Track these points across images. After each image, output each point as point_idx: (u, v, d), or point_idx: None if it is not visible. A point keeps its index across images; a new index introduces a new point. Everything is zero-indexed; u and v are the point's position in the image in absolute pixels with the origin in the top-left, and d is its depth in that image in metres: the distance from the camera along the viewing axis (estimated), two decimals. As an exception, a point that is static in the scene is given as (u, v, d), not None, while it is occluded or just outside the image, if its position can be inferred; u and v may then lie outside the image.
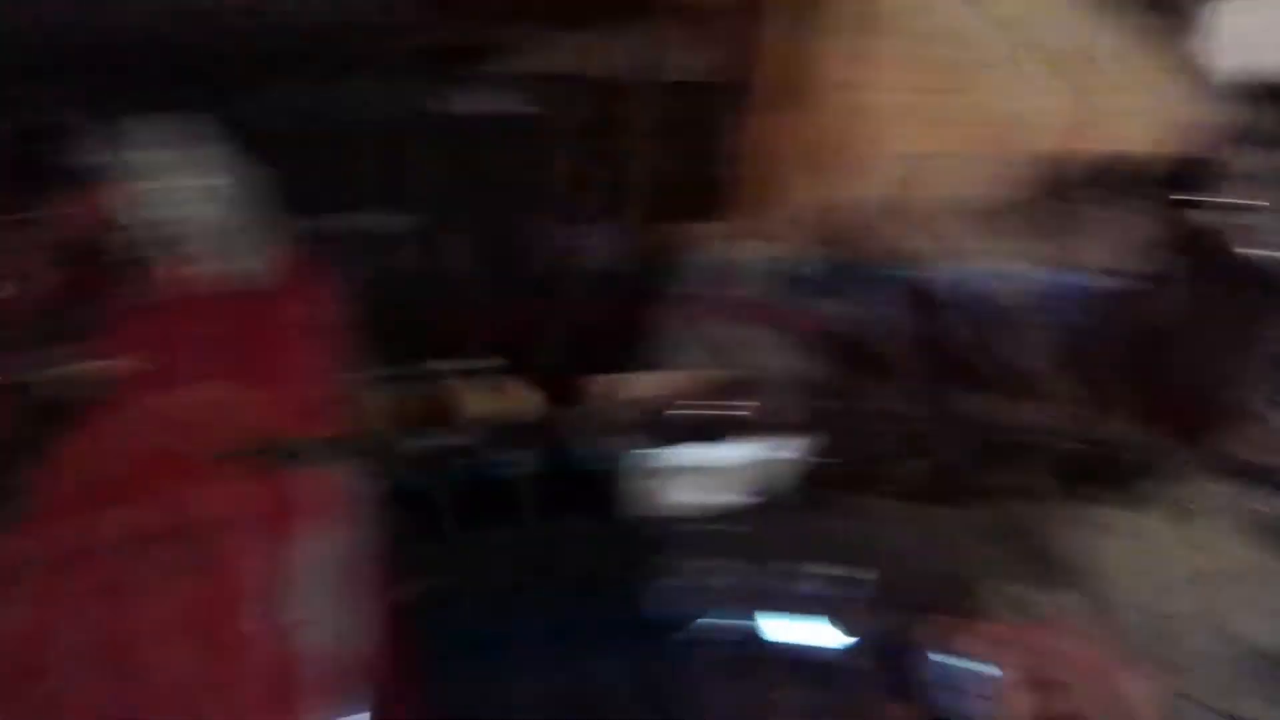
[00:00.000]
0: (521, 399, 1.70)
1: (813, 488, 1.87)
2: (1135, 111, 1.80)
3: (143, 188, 1.18)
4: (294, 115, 2.44)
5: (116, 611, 0.66)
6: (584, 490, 1.79)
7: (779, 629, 1.51)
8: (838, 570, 1.56)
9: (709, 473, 1.67)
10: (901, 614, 1.36)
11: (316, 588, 0.80)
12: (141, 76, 1.48)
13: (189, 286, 1.03)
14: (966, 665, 1.21)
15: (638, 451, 1.65)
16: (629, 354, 2.27)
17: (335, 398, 1.12)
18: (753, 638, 1.54)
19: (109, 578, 0.67)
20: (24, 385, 0.78)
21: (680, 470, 1.65)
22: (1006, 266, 2.79)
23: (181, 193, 1.21)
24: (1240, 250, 1.64)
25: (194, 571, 0.71)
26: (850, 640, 1.45)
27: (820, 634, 1.47)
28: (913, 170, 3.06)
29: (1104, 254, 1.97)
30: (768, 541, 1.73)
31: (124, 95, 1.31)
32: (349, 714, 0.73)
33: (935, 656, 1.26)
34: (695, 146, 2.93)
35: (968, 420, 2.13)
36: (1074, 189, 1.92)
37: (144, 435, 0.76)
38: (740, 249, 3.15)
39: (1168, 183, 1.71)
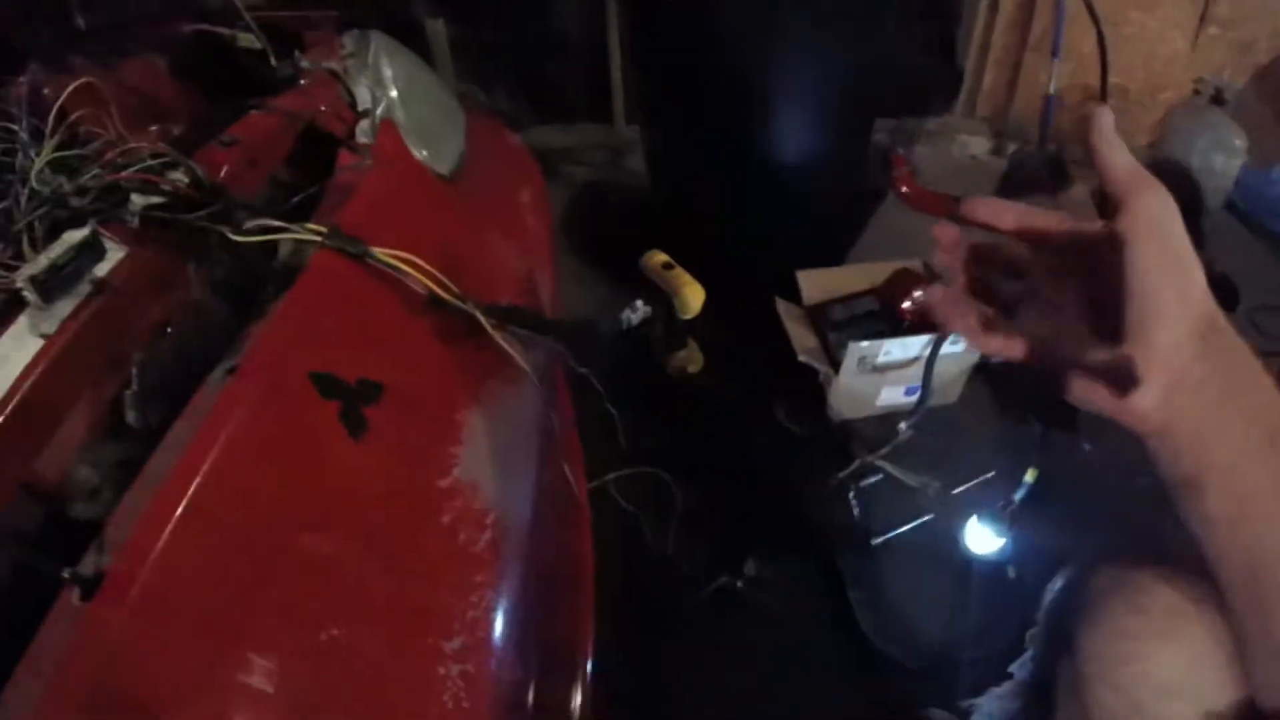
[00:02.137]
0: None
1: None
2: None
3: (360, 85, 1.20)
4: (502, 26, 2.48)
5: (315, 462, 0.66)
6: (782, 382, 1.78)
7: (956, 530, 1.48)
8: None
9: (904, 366, 1.61)
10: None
11: (504, 453, 0.80)
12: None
13: (401, 170, 1.04)
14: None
15: (839, 345, 1.60)
16: (841, 245, 2.22)
17: (541, 280, 1.12)
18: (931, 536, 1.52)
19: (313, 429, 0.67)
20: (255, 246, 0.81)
21: (877, 363, 1.59)
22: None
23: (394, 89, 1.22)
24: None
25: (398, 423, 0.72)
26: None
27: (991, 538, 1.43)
28: (1152, 55, 2.76)
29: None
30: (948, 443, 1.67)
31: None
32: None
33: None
34: (929, 37, 2.75)
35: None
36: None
37: (357, 293, 0.78)
38: (961, 143, 2.95)
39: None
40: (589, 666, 0.98)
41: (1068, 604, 0.72)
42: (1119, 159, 0.50)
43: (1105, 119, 0.51)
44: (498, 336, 0.81)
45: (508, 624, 0.66)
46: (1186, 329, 0.48)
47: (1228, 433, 0.49)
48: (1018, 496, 1.43)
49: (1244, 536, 0.50)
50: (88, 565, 0.54)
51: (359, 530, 0.63)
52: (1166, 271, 0.48)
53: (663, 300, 1.73)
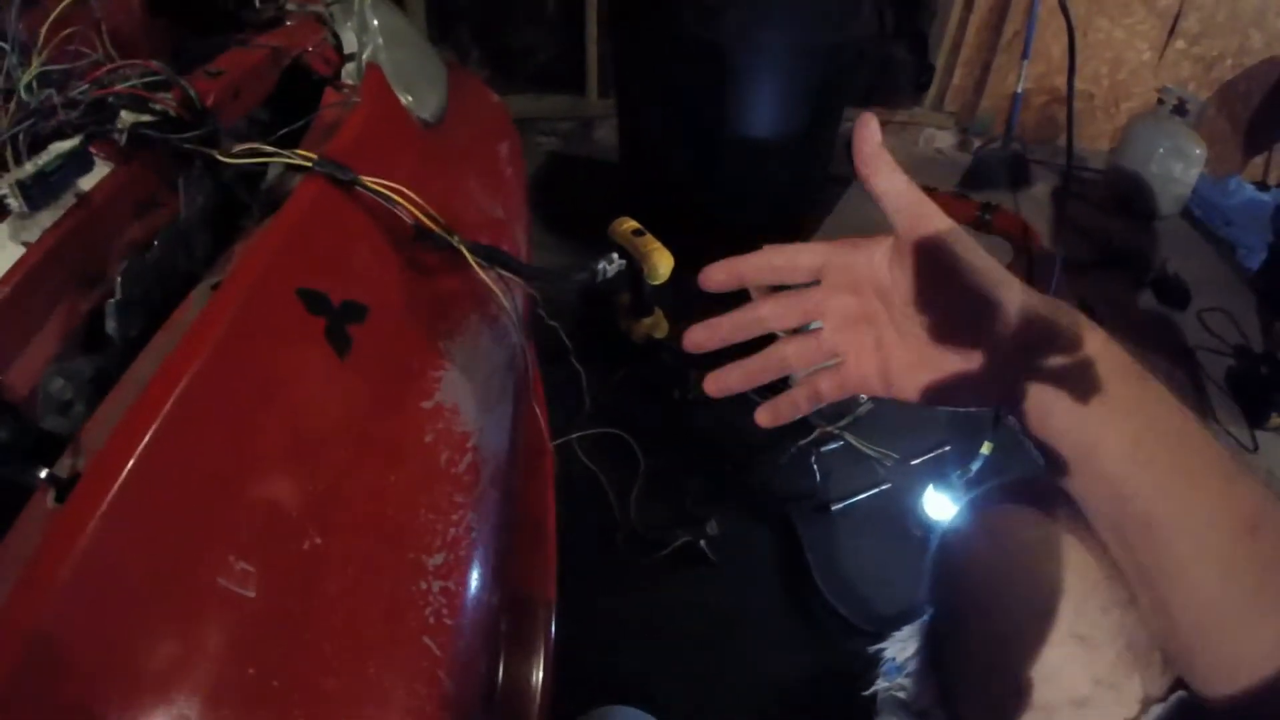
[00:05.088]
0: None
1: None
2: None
3: (346, 29, 1.20)
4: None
5: (299, 376, 0.65)
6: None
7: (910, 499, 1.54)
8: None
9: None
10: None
11: (483, 384, 0.81)
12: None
13: (387, 110, 1.04)
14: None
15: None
16: (807, 227, 2.26)
17: (517, 231, 1.13)
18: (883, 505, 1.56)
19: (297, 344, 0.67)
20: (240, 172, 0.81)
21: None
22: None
23: (380, 36, 1.22)
24: None
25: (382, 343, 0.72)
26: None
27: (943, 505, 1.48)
28: (1119, 64, 2.84)
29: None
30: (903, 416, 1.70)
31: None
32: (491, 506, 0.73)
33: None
34: (903, 29, 2.80)
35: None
36: None
37: (343, 219, 0.78)
38: (928, 136, 3.03)
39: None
40: (552, 614, 0.99)
41: (948, 542, 0.70)
42: (898, 184, 0.51)
43: (872, 133, 0.51)
44: (481, 272, 0.81)
45: (486, 547, 0.67)
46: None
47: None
48: (974, 466, 1.48)
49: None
50: (63, 468, 0.52)
51: (342, 443, 0.63)
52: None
53: (631, 267, 1.73)
